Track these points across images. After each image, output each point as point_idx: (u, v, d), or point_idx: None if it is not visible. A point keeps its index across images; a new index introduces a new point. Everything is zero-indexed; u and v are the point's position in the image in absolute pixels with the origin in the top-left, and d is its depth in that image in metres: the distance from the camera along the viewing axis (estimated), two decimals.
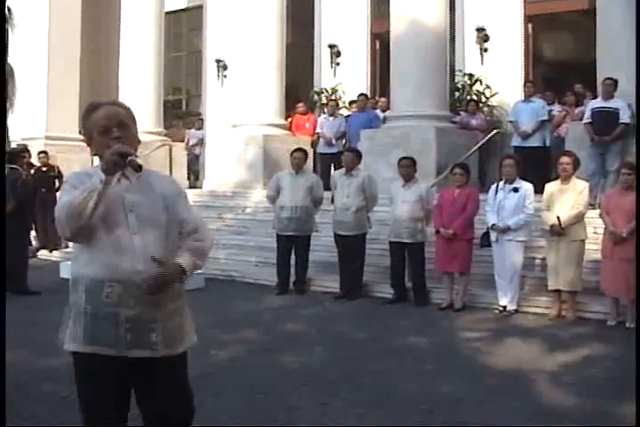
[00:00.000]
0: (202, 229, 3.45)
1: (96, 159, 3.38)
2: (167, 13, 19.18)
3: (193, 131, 17.99)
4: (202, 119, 18.60)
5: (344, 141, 13.70)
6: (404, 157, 9.16)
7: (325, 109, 14.56)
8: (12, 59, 19.86)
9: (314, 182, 9.83)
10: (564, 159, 7.90)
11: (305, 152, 10.05)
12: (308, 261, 9.98)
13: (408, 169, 8.98)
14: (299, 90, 17.12)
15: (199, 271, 10.45)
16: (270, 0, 14.54)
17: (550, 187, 8.10)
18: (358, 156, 9.64)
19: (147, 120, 17.05)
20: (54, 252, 13.81)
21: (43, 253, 13.97)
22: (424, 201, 8.86)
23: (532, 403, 5.17)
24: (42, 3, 18.96)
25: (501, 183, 8.36)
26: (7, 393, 4.13)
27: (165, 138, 17.28)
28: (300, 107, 15.43)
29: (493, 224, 8.28)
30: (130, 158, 3.10)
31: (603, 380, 5.73)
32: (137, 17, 16.86)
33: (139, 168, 3.15)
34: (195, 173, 17.68)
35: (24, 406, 5.00)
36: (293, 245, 9.85)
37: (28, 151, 11.55)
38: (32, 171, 14.15)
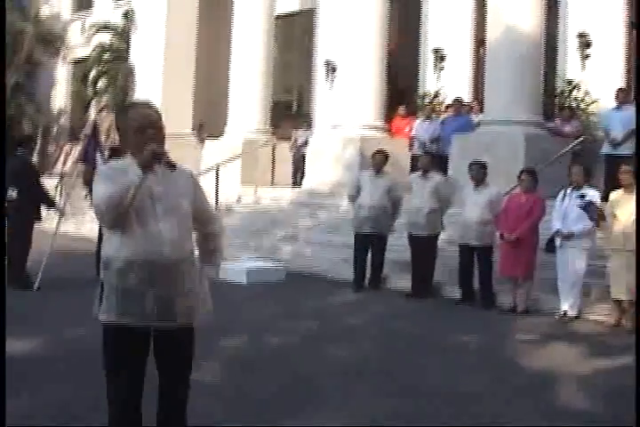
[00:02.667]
0: (214, 217, 4.03)
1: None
2: (280, 17, 19.92)
3: (301, 131, 18.57)
4: (310, 120, 19.15)
5: (438, 145, 13.94)
6: (474, 162, 9.40)
7: (421, 113, 14.83)
8: (133, 58, 21.06)
9: (392, 183, 10.19)
10: (624, 168, 7.99)
11: (385, 154, 10.40)
12: (384, 259, 10.34)
13: (477, 173, 9.22)
14: (403, 93, 17.45)
15: (281, 265, 11.05)
16: (373, 3, 14.91)
17: (614, 195, 8.19)
18: (434, 159, 9.94)
19: (254, 119, 17.82)
20: None
21: None
22: (493, 205, 9.08)
23: (553, 404, 5.37)
24: (161, 6, 19.99)
25: (569, 190, 8.50)
26: None
27: (271, 137, 17.92)
28: (401, 110, 15.77)
29: (558, 230, 8.44)
30: (164, 158, 3.65)
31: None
32: (248, 20, 17.56)
33: (173, 166, 3.72)
34: (302, 172, 18.24)
35: None
36: (370, 243, 10.24)
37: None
38: None
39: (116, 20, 22.56)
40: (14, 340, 6.51)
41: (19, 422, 4.61)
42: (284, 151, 17.73)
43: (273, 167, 17.34)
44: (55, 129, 27.03)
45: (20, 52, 23.64)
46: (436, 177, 9.85)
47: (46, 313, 8.21)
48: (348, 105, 15.30)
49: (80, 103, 24.55)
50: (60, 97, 27.86)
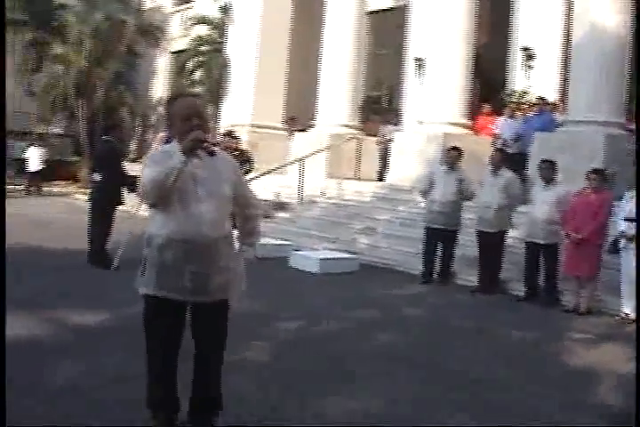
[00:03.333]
0: (253, 201, 4.36)
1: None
2: (373, 13, 20.20)
3: (390, 126, 18.80)
4: (399, 115, 19.35)
5: (520, 143, 13.96)
6: (544, 160, 9.49)
7: (505, 111, 14.86)
8: (228, 51, 21.65)
9: (464, 179, 10.36)
10: None
11: (459, 150, 10.58)
12: (454, 254, 10.53)
13: (547, 171, 9.32)
14: (491, 91, 17.48)
15: (354, 256, 11.34)
16: (461, 1, 15.01)
17: None
18: (505, 156, 10.06)
19: (342, 114, 18.15)
20: (235, 230, 15.08)
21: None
22: (561, 204, 9.16)
23: (577, 398, 5.52)
24: (257, 1, 20.50)
25: (633, 191, 8.53)
26: None
27: (357, 131, 18.22)
28: (487, 107, 15.85)
29: (622, 231, 8.48)
30: (205, 144, 4.02)
31: None
32: (339, 16, 17.92)
33: (212, 153, 4.08)
34: (387, 167, 18.48)
35: None
36: (440, 238, 10.44)
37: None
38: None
39: (214, 13, 23.17)
40: (90, 314, 7.04)
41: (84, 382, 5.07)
42: (371, 146, 17.98)
43: (358, 161, 17.61)
44: (154, 118, 27.88)
45: (120, 42, 24.52)
46: (506, 174, 9.98)
47: (121, 291, 8.69)
48: (433, 102, 15.46)
49: (178, 93, 25.31)
50: (159, 87, 28.78)
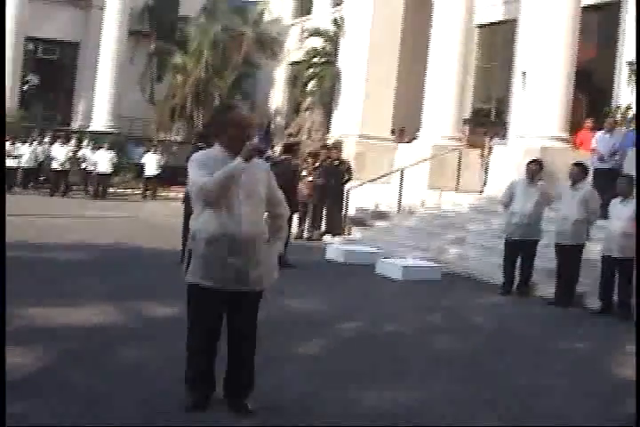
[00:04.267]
0: (281, 202, 4.91)
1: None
2: (483, 26, 20.45)
3: (496, 139, 19.01)
4: (506, 128, 19.51)
5: (616, 159, 13.94)
6: (623, 175, 9.62)
7: (604, 126, 14.83)
8: (340, 63, 22.29)
9: (544, 192, 10.55)
10: None
11: (540, 163, 10.79)
12: (533, 266, 10.71)
13: (624, 186, 9.44)
14: (595, 105, 17.45)
15: (437, 265, 11.69)
16: (564, 17, 15.12)
17: None
18: (584, 170, 10.20)
19: (446, 126, 18.47)
20: (336, 237, 15.65)
21: (327, 238, 15.84)
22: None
23: (614, 411, 5.70)
24: (367, 15, 21.05)
25: None
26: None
27: (460, 143, 18.49)
28: (588, 122, 15.87)
29: None
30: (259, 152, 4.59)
31: None
32: (446, 29, 18.25)
33: (267, 159, 4.66)
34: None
35: None
36: (520, 250, 10.66)
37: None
38: (325, 164, 16.23)
39: (329, 25, 23.87)
40: (166, 307, 7.69)
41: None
42: (475, 158, 18.21)
43: (458, 172, 17.86)
44: (272, 127, 28.79)
45: (238, 53, 25.54)
46: (585, 188, 10.12)
47: None
48: (533, 115, 15.61)
49: (292, 103, 26.14)
50: (277, 97, 29.70)
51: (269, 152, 11.63)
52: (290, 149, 12.63)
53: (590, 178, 12.24)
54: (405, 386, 5.79)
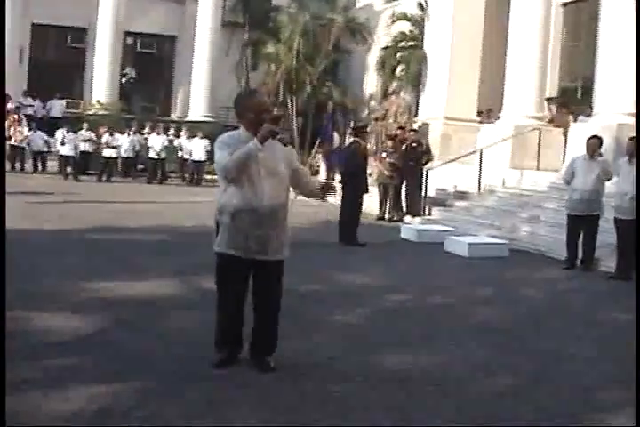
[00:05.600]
0: (306, 174, 5.44)
1: None
2: (568, 4, 20.28)
3: (581, 117, 18.87)
4: (591, 107, 19.32)
5: None
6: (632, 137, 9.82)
7: None
8: (426, 47, 22.49)
9: (605, 167, 10.64)
10: None
11: (600, 139, 10.87)
12: (595, 240, 10.81)
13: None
14: None
15: (504, 241, 11.92)
16: None
17: None
18: None
19: (528, 105, 18.48)
20: (416, 218, 15.98)
21: (408, 218, 16.19)
22: None
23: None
24: None
25: None
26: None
27: (543, 123, 18.47)
28: None
29: None
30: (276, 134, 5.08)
31: None
32: (526, 8, 18.23)
33: (282, 142, 5.13)
34: None
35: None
36: (582, 225, 10.80)
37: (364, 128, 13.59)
38: (404, 146, 16.57)
39: (415, 10, 24.05)
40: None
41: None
42: (559, 137, 18.16)
43: (538, 151, 17.85)
44: (365, 112, 29.12)
45: (328, 40, 26.01)
46: None
47: None
48: (610, 92, 15.54)
49: (382, 88, 26.43)
50: (370, 82, 30.02)
51: (335, 137, 12.04)
52: (358, 132, 13.05)
53: None
54: (431, 351, 6.14)
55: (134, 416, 4.29)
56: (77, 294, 7.35)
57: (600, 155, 10.89)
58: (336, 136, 12.25)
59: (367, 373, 5.41)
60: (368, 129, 13.99)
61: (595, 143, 10.78)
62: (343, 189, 12.52)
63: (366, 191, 12.49)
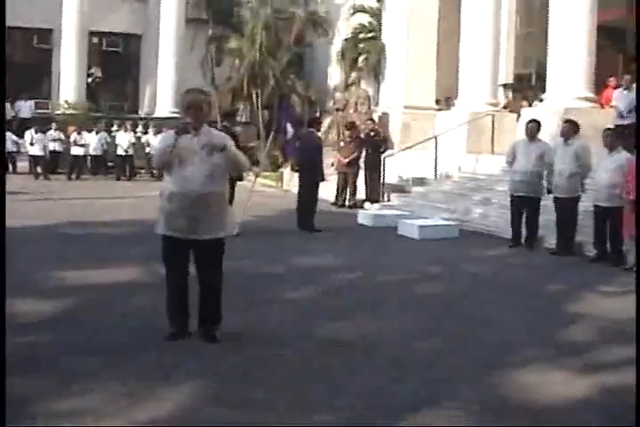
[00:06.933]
0: (243, 162, 5.96)
1: None
2: None
3: (536, 103, 19.57)
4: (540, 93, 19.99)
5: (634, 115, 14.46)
6: (606, 129, 10.36)
7: (623, 83, 15.35)
8: (384, 38, 23.08)
9: (545, 150, 11.29)
10: None
11: (538, 122, 11.53)
12: (538, 219, 11.45)
13: (608, 139, 10.17)
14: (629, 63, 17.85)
15: (453, 223, 12.54)
16: None
17: None
18: (575, 126, 10.92)
19: (482, 92, 19.15)
20: (375, 204, 16.60)
21: (367, 205, 16.80)
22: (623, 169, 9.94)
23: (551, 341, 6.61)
24: None
25: None
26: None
27: (497, 109, 19.17)
28: (612, 81, 16.38)
29: None
30: (189, 127, 5.65)
31: None
32: None
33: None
34: None
35: None
36: (523, 205, 11.45)
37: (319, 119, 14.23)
38: (362, 135, 17.19)
39: (374, 2, 24.66)
40: None
41: None
42: (512, 123, 18.82)
43: (493, 138, 18.52)
44: (330, 104, 29.67)
45: (289, 34, 26.57)
46: (576, 143, 10.85)
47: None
48: (557, 78, 16.22)
49: (344, 79, 26.98)
50: (334, 74, 30.57)
51: (289, 128, 12.61)
52: (312, 122, 13.65)
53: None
54: (369, 321, 6.78)
55: (93, 378, 4.91)
56: (47, 281, 7.95)
57: (539, 139, 11.49)
58: (289, 127, 12.75)
59: (308, 340, 6.04)
60: (321, 120, 14.54)
61: (533, 127, 11.45)
62: (300, 177, 13.12)
63: (322, 179, 13.07)
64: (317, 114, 21.26)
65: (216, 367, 5.28)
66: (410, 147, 18.31)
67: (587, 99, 16.02)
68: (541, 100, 19.02)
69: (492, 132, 18.44)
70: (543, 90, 19.87)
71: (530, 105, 19.40)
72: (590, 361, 5.67)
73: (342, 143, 17.44)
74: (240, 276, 8.26)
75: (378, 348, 5.90)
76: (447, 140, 17.98)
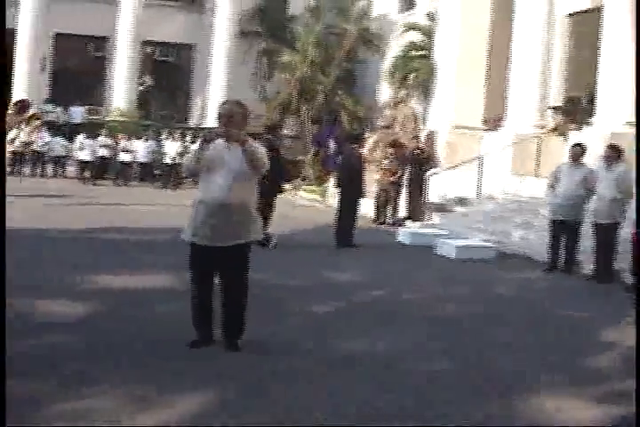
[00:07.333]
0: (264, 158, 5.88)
1: None
2: (572, 15, 20.80)
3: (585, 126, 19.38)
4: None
5: None
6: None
7: None
8: (435, 56, 23.09)
9: (588, 174, 11.16)
10: None
11: (582, 147, 11.41)
12: (577, 245, 11.30)
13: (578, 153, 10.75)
14: None
15: (491, 244, 12.46)
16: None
17: None
18: (617, 151, 10.80)
19: (530, 114, 19.06)
20: (416, 222, 16.57)
21: (408, 223, 16.78)
22: None
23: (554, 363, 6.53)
24: (456, 8, 21.81)
25: None
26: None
27: (545, 131, 19.04)
28: None
29: None
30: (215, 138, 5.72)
31: None
32: (531, 17, 18.83)
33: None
34: None
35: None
36: (564, 229, 11.32)
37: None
38: (407, 153, 17.20)
39: (426, 21, 24.67)
40: None
41: None
42: (558, 146, 18.67)
43: (538, 160, 18.37)
44: (379, 120, 29.72)
45: (341, 50, 26.71)
46: (619, 168, 10.72)
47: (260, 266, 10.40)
48: (606, 102, 16.09)
49: (393, 97, 27.00)
50: (384, 91, 30.63)
51: (331, 144, 12.67)
52: (355, 139, 13.68)
53: None
54: (384, 339, 6.71)
55: (105, 383, 4.95)
56: (77, 285, 8.06)
57: (582, 163, 11.38)
58: (332, 143, 12.85)
59: (327, 353, 6.06)
60: (363, 137, 14.61)
61: (577, 150, 11.34)
62: (340, 193, 13.16)
63: (362, 196, 13.09)
64: (364, 131, 21.22)
65: (233, 376, 5.31)
66: (455, 166, 18.23)
67: (635, 124, 15.79)
68: (590, 124, 18.86)
69: (538, 155, 18.27)
70: (593, 113, 19.74)
71: (579, 128, 19.23)
72: (610, 390, 5.57)
73: (386, 161, 17.43)
74: (270, 287, 8.35)
75: (393, 365, 5.88)
76: (492, 161, 17.89)
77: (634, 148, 11.49)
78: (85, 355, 5.57)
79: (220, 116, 5.81)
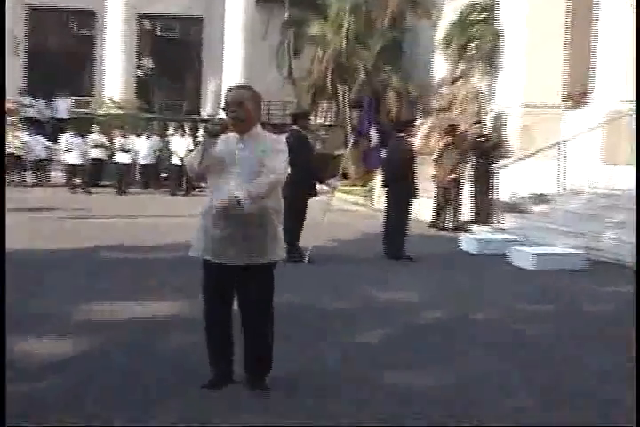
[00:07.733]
0: (273, 172, 5.80)
1: None
2: None
3: None
4: None
5: None
6: None
7: None
8: (499, 18, 23.03)
9: None
10: None
11: None
12: None
13: None
14: None
15: (580, 252, 12.44)
16: None
17: None
18: None
19: (623, 87, 18.91)
20: (483, 226, 16.58)
21: (474, 227, 16.80)
22: None
23: None
24: None
25: None
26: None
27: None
28: None
29: None
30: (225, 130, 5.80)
31: None
32: None
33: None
34: None
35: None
36: None
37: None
38: (469, 141, 17.19)
39: None
40: None
41: None
42: None
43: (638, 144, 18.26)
44: (435, 101, 29.72)
45: (383, 17, 26.73)
46: None
47: (292, 283, 10.50)
48: None
49: (451, 72, 27.00)
50: (439, 65, 30.60)
51: (372, 133, 12.66)
52: (403, 127, 13.67)
53: None
54: (442, 372, 6.70)
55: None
56: (71, 316, 8.22)
57: None
58: (373, 131, 12.84)
59: (372, 392, 6.08)
60: (414, 124, 14.58)
61: None
62: (387, 194, 13.23)
63: (415, 196, 13.12)
64: (415, 116, 21.26)
65: (257, 423, 5.37)
66: (529, 155, 18.19)
67: None
68: None
69: (638, 138, 18.15)
70: None
71: None
72: None
73: (442, 151, 17.44)
74: (305, 311, 8.46)
75: (454, 405, 5.89)
76: (577, 147, 17.81)
77: None
78: (82, 397, 5.67)
79: (228, 105, 5.83)
